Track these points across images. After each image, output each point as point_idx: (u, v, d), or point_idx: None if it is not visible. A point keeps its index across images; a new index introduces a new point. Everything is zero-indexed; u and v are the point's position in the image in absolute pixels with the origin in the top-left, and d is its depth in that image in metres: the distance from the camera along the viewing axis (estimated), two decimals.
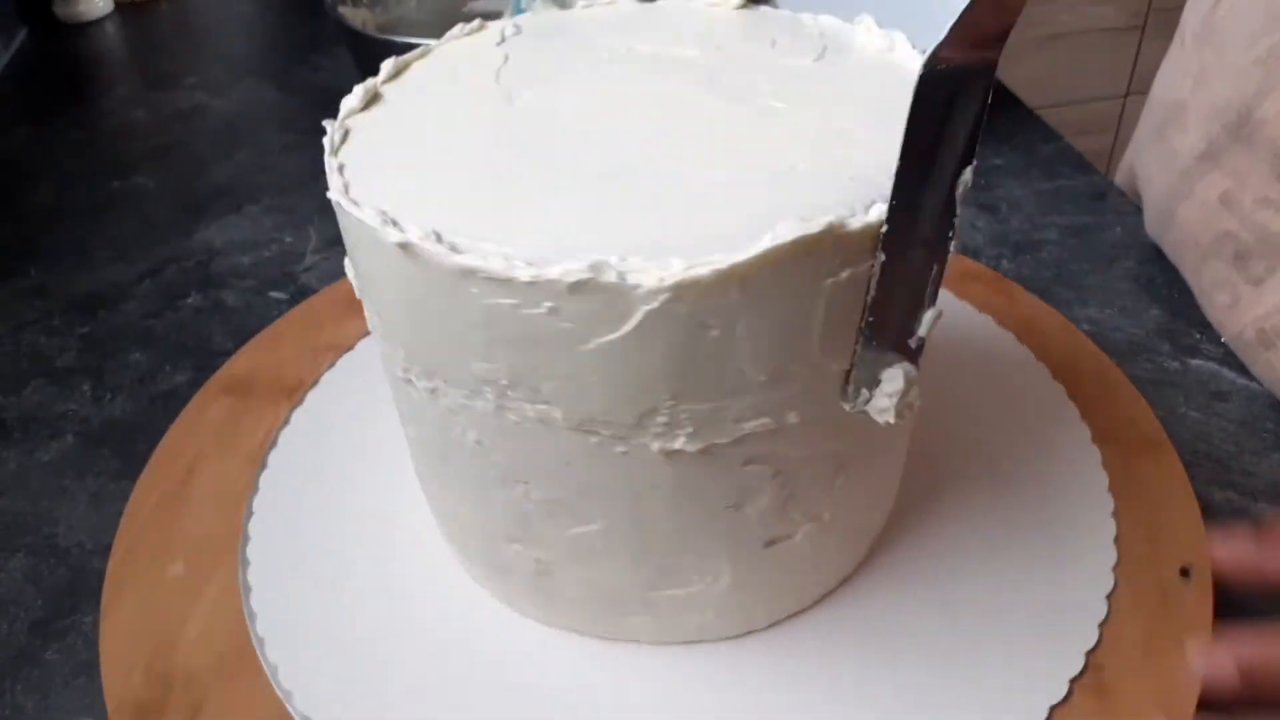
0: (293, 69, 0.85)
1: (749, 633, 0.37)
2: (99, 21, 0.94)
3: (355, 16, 0.72)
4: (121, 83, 0.86)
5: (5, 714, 0.38)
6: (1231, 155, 0.50)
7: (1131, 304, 0.55)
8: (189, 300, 0.59)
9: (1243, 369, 0.50)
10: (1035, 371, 0.47)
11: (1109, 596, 0.37)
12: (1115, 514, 0.40)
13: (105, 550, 0.42)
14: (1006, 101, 0.74)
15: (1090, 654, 0.36)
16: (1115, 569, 0.38)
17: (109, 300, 0.59)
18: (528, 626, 0.38)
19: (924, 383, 0.35)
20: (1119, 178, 0.67)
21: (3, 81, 0.86)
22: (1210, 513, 0.41)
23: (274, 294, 0.59)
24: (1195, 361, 0.51)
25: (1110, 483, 0.42)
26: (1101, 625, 0.36)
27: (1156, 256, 0.59)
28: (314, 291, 0.57)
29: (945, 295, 0.40)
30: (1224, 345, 0.52)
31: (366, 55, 0.66)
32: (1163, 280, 0.56)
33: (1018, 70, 0.76)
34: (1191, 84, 0.54)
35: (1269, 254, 0.48)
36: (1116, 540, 0.39)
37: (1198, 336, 0.52)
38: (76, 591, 0.42)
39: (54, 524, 0.46)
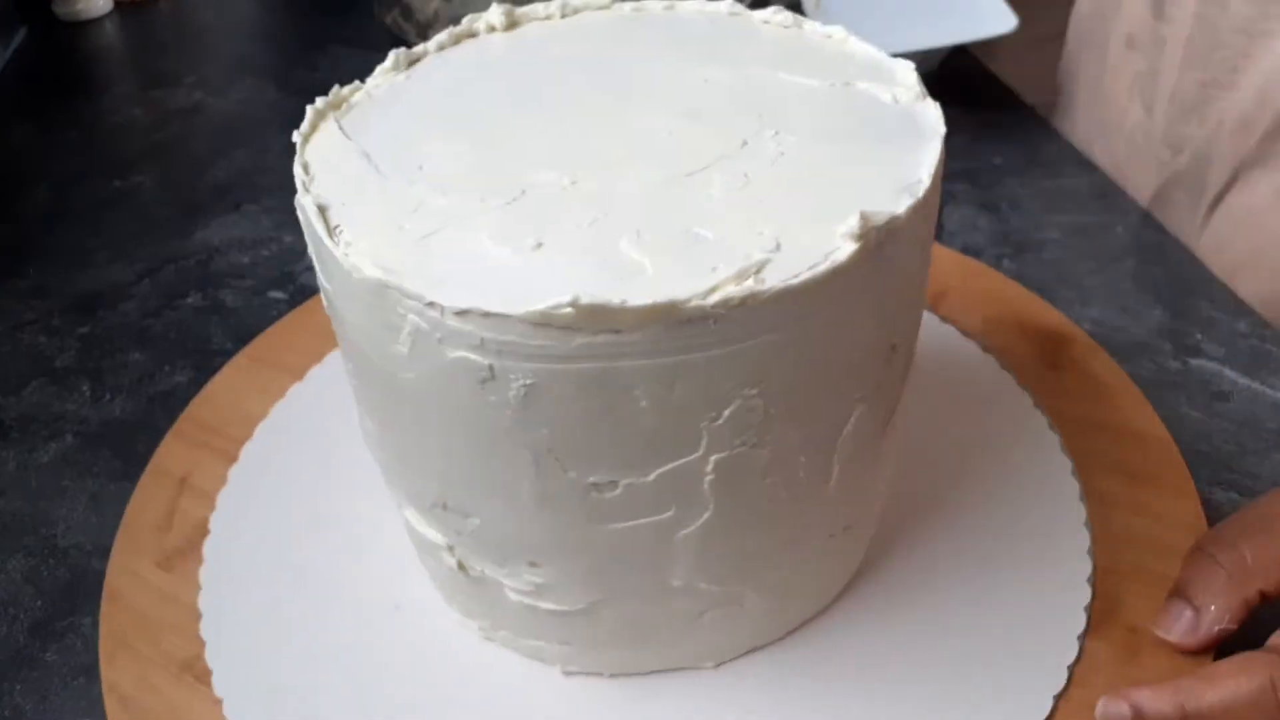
0: (292, 68, 0.85)
1: (718, 664, 0.37)
2: (98, 20, 0.94)
3: (407, 27, 0.72)
4: (121, 81, 0.86)
5: (4, 714, 0.38)
6: None
7: (1133, 304, 0.55)
8: (188, 300, 0.59)
9: (1245, 369, 0.50)
10: (1007, 388, 0.47)
11: (1082, 636, 0.37)
12: (1087, 523, 0.41)
13: (105, 551, 0.42)
14: (1007, 100, 0.74)
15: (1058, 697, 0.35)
16: (1088, 606, 0.38)
17: (108, 300, 0.59)
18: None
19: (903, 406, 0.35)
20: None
21: (2, 80, 0.85)
22: (1213, 513, 0.41)
23: (273, 294, 0.59)
24: (1197, 361, 0.51)
25: (1091, 491, 0.42)
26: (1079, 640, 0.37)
27: (1159, 257, 0.58)
28: (313, 291, 0.56)
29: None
30: (1225, 345, 0.52)
31: None
32: (1165, 280, 0.56)
33: (1019, 69, 0.77)
34: None
35: None
36: (1089, 550, 0.40)
37: (1199, 337, 0.52)
38: (76, 592, 0.42)
39: (53, 524, 0.46)
